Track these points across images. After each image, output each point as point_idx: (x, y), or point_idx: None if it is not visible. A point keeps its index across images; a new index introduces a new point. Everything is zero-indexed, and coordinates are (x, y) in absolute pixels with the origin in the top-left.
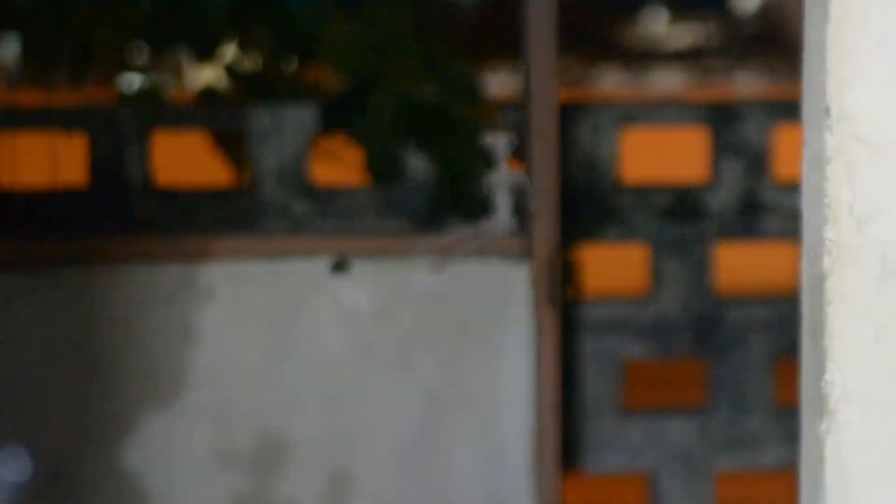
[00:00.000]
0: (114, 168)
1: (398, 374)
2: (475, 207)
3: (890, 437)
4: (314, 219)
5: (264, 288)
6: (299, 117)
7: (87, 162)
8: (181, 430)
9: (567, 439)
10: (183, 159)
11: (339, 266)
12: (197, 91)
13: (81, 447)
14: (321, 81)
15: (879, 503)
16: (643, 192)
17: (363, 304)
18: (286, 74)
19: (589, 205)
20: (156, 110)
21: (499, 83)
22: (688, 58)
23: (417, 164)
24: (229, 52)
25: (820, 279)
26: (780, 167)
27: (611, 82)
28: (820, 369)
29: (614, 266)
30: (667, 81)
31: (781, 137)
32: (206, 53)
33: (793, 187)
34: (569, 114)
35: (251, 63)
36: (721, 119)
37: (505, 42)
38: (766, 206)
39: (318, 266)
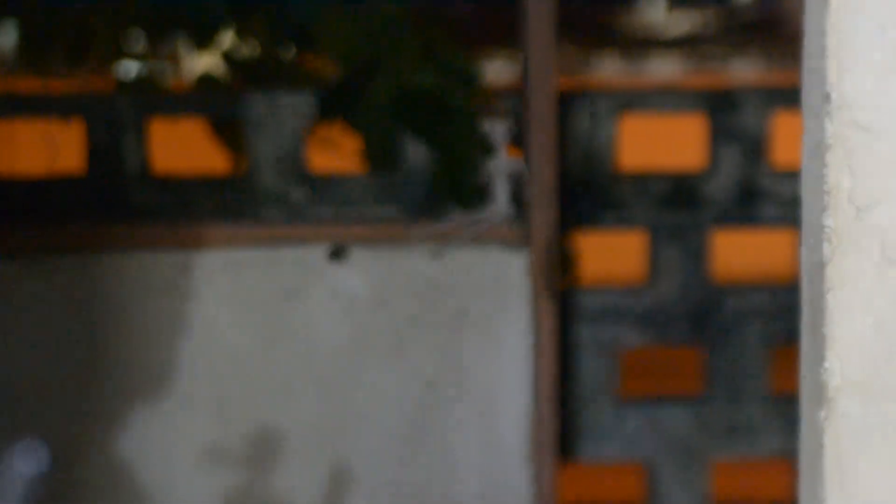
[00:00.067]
0: (111, 155)
1: (395, 361)
2: (473, 195)
3: (889, 425)
4: (311, 206)
5: (261, 275)
6: (297, 105)
7: (85, 149)
8: (177, 417)
9: (564, 428)
10: (180, 147)
11: (337, 254)
12: (194, 78)
13: (77, 435)
14: (319, 69)
15: (879, 491)
16: (641, 180)
17: (360, 291)
18: (284, 62)
19: (586, 192)
20: (153, 98)
21: (496, 71)
22: (685, 45)
23: (415, 152)
24: (227, 39)
25: (819, 266)
26: (779, 154)
27: (608, 70)
28: (819, 357)
29: (611, 254)
30: (664, 69)
31: (780, 124)
32: (203, 41)
33: (791, 174)
34: (567, 101)
35: (249, 50)
36: (719, 106)
37: (502, 30)
38: (765, 193)
39: (316, 254)
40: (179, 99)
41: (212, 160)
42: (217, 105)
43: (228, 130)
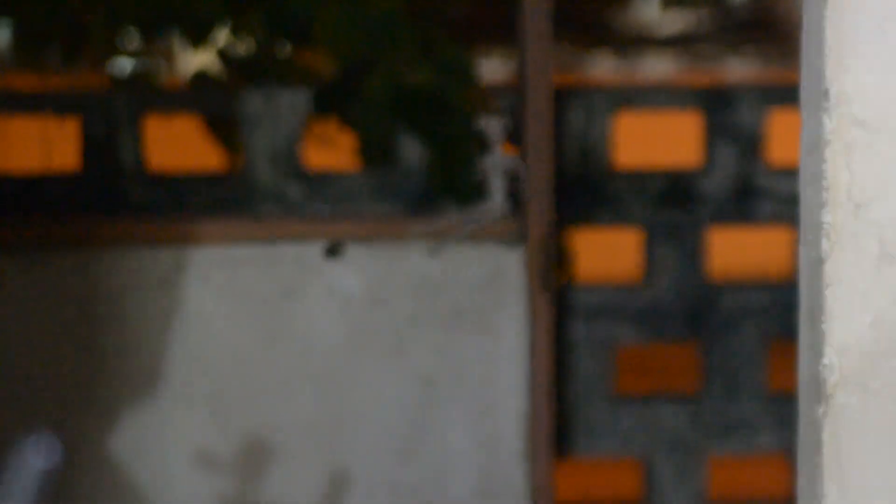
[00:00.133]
0: (106, 152)
1: (392, 358)
2: (469, 192)
3: (887, 421)
4: (308, 203)
5: (258, 272)
6: (293, 102)
7: (80, 146)
8: (172, 413)
9: (560, 425)
10: (176, 143)
11: (333, 250)
12: (190, 75)
13: (73, 430)
14: (315, 66)
15: (877, 486)
16: (637, 177)
17: (357, 288)
18: (279, 59)
19: (582, 190)
20: (149, 95)
21: (492, 68)
22: (680, 44)
23: (412, 149)
24: (222, 36)
25: (818, 263)
26: (774, 152)
27: (602, 68)
28: (818, 353)
29: (607, 251)
30: (659, 67)
31: (775, 122)
32: (199, 38)
33: (786, 172)
34: (562, 98)
35: (244, 47)
36: (715, 104)
37: (499, 27)
38: (760, 191)
39: (312, 250)
40: (175, 96)
41: (207, 157)
42: (213, 102)
43: (224, 127)
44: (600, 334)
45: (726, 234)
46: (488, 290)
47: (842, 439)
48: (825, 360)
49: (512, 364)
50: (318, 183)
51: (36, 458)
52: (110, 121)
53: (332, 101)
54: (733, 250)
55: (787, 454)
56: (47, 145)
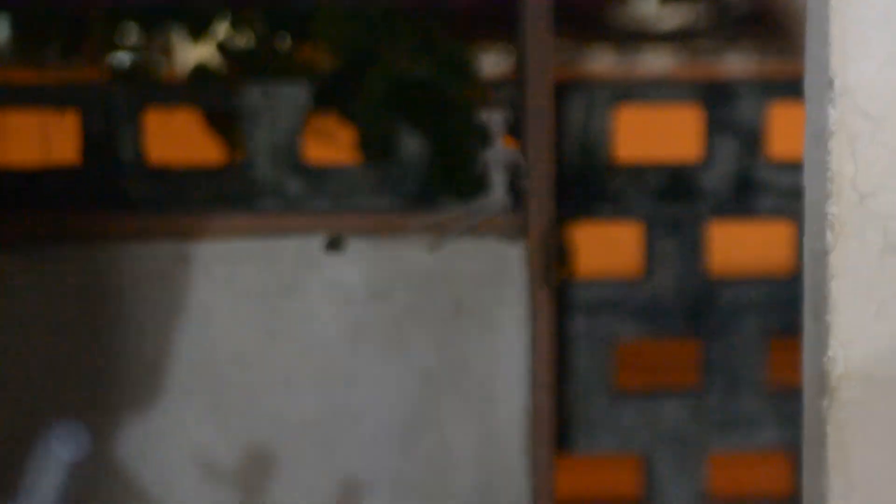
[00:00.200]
0: (106, 146)
1: (392, 352)
2: (470, 186)
3: (892, 413)
4: (308, 198)
5: (258, 266)
6: (292, 96)
7: (80, 140)
8: (173, 407)
9: (560, 421)
10: (175, 137)
11: (334, 244)
12: (189, 69)
13: (72, 425)
14: (314, 60)
15: (882, 479)
16: (637, 171)
17: (357, 282)
18: (279, 52)
19: (582, 184)
20: (148, 88)
21: (492, 61)
22: (678, 39)
23: (412, 143)
24: (222, 29)
25: (822, 254)
26: (775, 146)
27: (601, 63)
28: (822, 346)
29: (608, 245)
30: (657, 63)
31: (775, 116)
32: (198, 31)
33: (787, 166)
34: (562, 92)
35: (244, 41)
36: (715, 98)
37: (499, 20)
38: (761, 184)
39: (312, 244)
40: (174, 89)
41: (207, 151)
42: (212, 96)
43: (223, 121)
44: (600, 329)
45: (727, 228)
46: (489, 285)
47: (847, 432)
48: (830, 353)
49: (512, 358)
50: (318, 177)
51: (63, 449)
52: (110, 114)
53: (331, 95)
54: (734, 245)
55: (788, 450)
56: (46, 139)
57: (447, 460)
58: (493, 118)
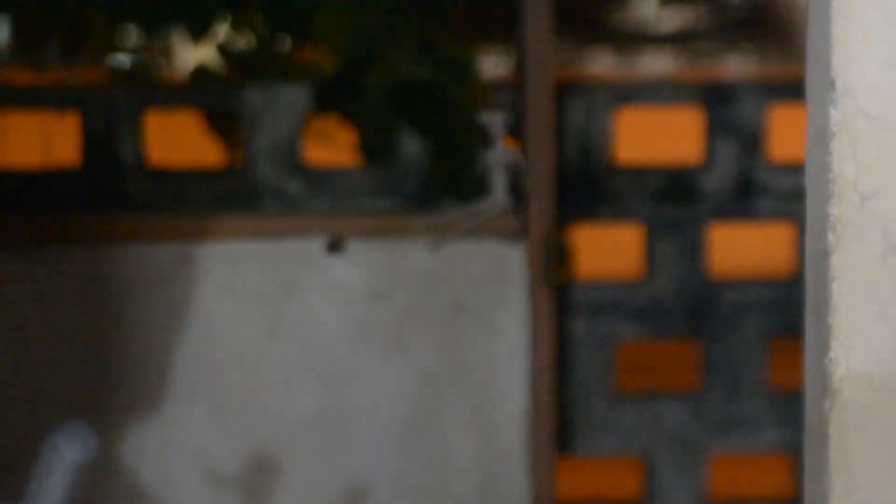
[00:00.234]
0: (106, 147)
1: (393, 354)
2: (470, 187)
3: (894, 415)
4: (308, 199)
5: (259, 267)
6: (292, 97)
7: (80, 141)
8: (174, 409)
9: (560, 422)
10: (176, 139)
11: (335, 246)
12: (190, 71)
13: (73, 427)
14: (315, 61)
15: (884, 481)
16: (637, 173)
17: (358, 284)
18: (279, 54)
19: (583, 186)
20: (148, 90)
21: (493, 63)
22: (677, 41)
23: (412, 144)
24: (222, 31)
25: (823, 256)
26: (775, 148)
27: (600, 65)
28: (824, 347)
29: (608, 247)
30: (657, 64)
31: (775, 118)
32: (199, 33)
33: (787, 168)
34: (563, 94)
35: (244, 43)
36: (715, 100)
37: (499, 23)
38: (761, 186)
39: (314, 246)
40: (175, 91)
41: (207, 152)
42: (212, 97)
43: (224, 123)
44: (601, 331)
45: (727, 230)
46: (490, 286)
47: (848, 433)
48: (831, 354)
49: (513, 360)
50: (319, 179)
51: (70, 450)
52: (110, 116)
53: (332, 97)
54: (734, 246)
55: (788, 452)
56: (47, 140)
57: (447, 461)
58: (494, 120)
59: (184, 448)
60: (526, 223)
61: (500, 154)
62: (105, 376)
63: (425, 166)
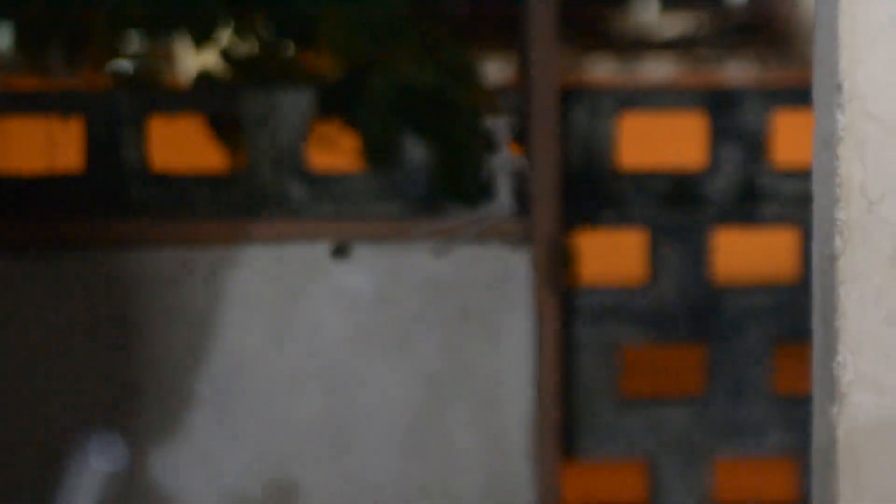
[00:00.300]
0: (110, 152)
1: (398, 358)
2: (475, 192)
3: None
4: (312, 204)
5: (264, 273)
6: (296, 102)
7: (83, 146)
8: (178, 415)
9: (565, 426)
10: (179, 144)
11: (340, 251)
12: (193, 76)
13: (74, 432)
14: (318, 66)
15: (892, 486)
16: (641, 178)
17: (363, 289)
18: (283, 59)
19: (586, 191)
20: (152, 95)
21: (497, 68)
22: (679, 47)
23: (417, 149)
24: (225, 36)
25: (831, 260)
26: (779, 153)
27: (604, 70)
28: (831, 352)
29: (612, 252)
30: (660, 70)
31: (779, 123)
32: (202, 38)
33: (791, 173)
34: (567, 99)
35: (248, 48)
36: (718, 105)
37: (503, 27)
38: (765, 192)
39: (319, 251)
40: (178, 96)
41: (211, 158)
42: (216, 102)
43: (227, 128)
44: (605, 336)
45: (731, 235)
46: (495, 291)
47: (856, 438)
48: (839, 359)
49: (518, 364)
50: (323, 184)
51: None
52: (113, 121)
53: (336, 102)
54: (738, 251)
55: (793, 457)
56: (50, 146)
57: (453, 465)
58: (498, 125)
59: (190, 454)
60: (531, 228)
61: (504, 159)
62: (108, 382)
63: (429, 171)
